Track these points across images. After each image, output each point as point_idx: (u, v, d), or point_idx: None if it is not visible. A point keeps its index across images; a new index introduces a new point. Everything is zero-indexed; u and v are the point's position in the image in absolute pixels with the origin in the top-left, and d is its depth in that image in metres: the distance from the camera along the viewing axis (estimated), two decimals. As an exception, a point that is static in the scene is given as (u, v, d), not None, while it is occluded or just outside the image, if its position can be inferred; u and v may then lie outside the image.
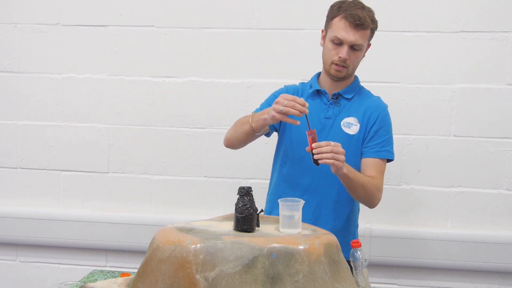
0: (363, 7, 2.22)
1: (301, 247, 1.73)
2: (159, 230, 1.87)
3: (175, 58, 3.01)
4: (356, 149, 2.28)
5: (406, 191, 2.90)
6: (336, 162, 2.02)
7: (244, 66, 2.96)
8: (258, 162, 2.95)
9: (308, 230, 1.90)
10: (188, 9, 2.97)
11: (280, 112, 2.04)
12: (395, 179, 2.89)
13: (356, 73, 2.78)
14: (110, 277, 2.18)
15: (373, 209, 2.92)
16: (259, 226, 1.89)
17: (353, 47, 2.21)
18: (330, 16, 2.26)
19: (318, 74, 2.39)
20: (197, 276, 1.66)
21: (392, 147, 2.34)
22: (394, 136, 2.86)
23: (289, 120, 2.07)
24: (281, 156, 2.35)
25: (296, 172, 2.28)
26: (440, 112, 2.86)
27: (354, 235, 2.35)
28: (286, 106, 2.02)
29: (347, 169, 2.10)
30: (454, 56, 2.83)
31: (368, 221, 2.91)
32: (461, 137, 2.86)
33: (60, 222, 3.07)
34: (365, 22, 2.18)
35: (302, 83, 2.42)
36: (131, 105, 3.05)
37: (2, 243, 3.15)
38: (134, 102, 3.05)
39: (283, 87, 2.43)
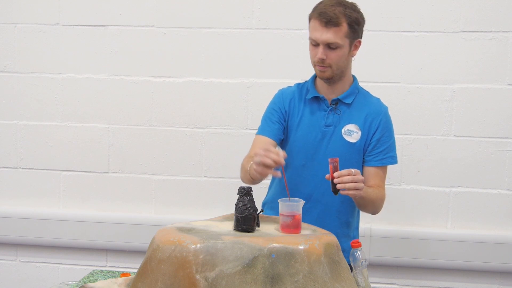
0: (339, 3, 2.14)
1: (301, 247, 1.73)
2: (159, 230, 1.87)
3: (175, 58, 3.01)
4: (358, 156, 2.24)
5: (406, 191, 2.90)
6: (356, 192, 1.99)
7: (244, 66, 2.96)
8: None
9: (308, 230, 1.90)
10: (188, 9, 2.97)
11: (259, 164, 1.94)
12: (395, 179, 2.89)
13: (357, 72, 2.79)
14: (110, 277, 2.18)
15: (373, 209, 2.92)
16: (259, 226, 1.89)
17: (329, 46, 2.13)
18: (309, 18, 2.20)
19: (315, 76, 2.31)
20: (197, 276, 1.66)
21: (395, 152, 2.30)
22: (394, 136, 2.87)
23: (272, 173, 1.97)
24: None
25: (297, 181, 2.24)
26: (440, 112, 2.86)
27: (355, 237, 2.33)
28: (262, 156, 1.92)
29: (363, 190, 2.05)
30: (454, 56, 2.83)
31: (368, 221, 2.90)
32: (461, 137, 2.86)
33: (60, 222, 3.07)
34: (334, 19, 2.09)
35: (298, 84, 2.35)
36: (131, 105, 3.05)
37: (2, 243, 3.15)
38: (134, 102, 3.05)
39: (278, 92, 2.37)
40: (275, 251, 1.72)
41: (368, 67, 2.87)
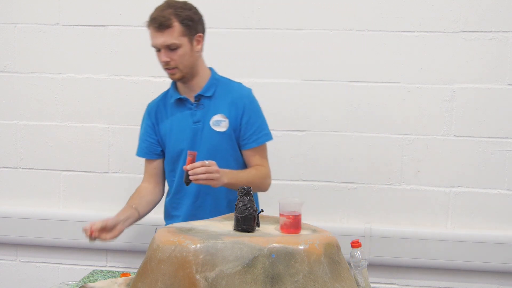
0: (168, 6, 2.23)
1: (301, 247, 1.73)
2: (159, 230, 1.87)
3: (175, 58, 3.00)
4: (232, 143, 2.32)
5: (406, 191, 2.90)
6: (210, 182, 2.10)
7: (244, 66, 2.96)
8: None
9: (308, 230, 1.90)
10: (188, 9, 2.97)
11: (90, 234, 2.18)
12: (395, 179, 2.89)
13: (357, 72, 2.79)
14: (110, 277, 2.18)
15: (373, 209, 2.93)
16: (259, 226, 1.89)
17: (170, 48, 2.22)
18: (147, 28, 2.29)
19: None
20: (197, 276, 1.66)
21: (267, 129, 2.38)
22: (393, 136, 2.89)
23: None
24: (168, 171, 2.40)
25: (183, 183, 2.25)
26: (440, 112, 2.86)
27: None
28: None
29: (228, 177, 2.17)
30: (454, 56, 2.83)
31: (368, 221, 2.91)
32: (461, 137, 2.86)
33: (60, 222, 3.07)
34: (164, 22, 2.19)
35: (163, 93, 2.45)
36: (131, 105, 3.05)
37: (2, 243, 3.15)
38: (134, 102, 3.05)
39: (146, 107, 2.47)
40: (275, 251, 1.72)
41: (368, 67, 2.87)
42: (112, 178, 3.09)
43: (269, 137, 2.38)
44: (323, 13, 2.89)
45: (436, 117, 2.86)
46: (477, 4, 2.79)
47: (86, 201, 3.11)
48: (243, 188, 1.88)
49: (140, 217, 2.36)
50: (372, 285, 1.97)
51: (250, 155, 2.34)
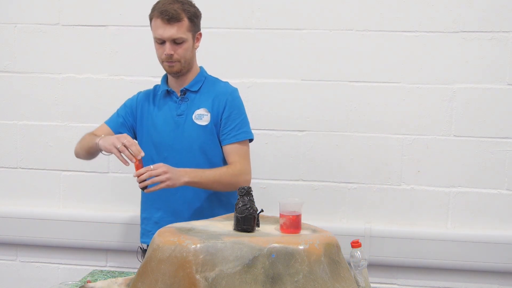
0: (175, 0, 2.28)
1: (301, 247, 1.73)
2: (159, 230, 1.87)
3: (175, 58, 3.00)
4: (212, 137, 2.35)
5: (406, 191, 2.90)
6: (162, 184, 2.12)
7: (244, 66, 2.96)
8: (257, 162, 2.95)
9: (308, 230, 1.90)
10: (188, 9, 2.97)
11: (117, 149, 2.16)
12: (395, 179, 2.89)
13: (357, 72, 2.79)
14: (110, 277, 2.18)
15: (373, 209, 2.93)
16: (259, 226, 1.89)
17: (175, 42, 2.27)
18: (149, 18, 2.33)
19: (166, 74, 2.45)
20: (197, 276, 1.66)
21: (248, 127, 2.40)
22: (393, 136, 2.88)
23: (120, 158, 2.18)
24: (147, 162, 2.37)
25: None
26: (440, 112, 2.86)
27: None
28: (123, 146, 2.15)
29: (190, 176, 2.19)
30: (454, 56, 2.83)
31: (368, 221, 2.91)
32: (461, 137, 2.86)
33: (60, 222, 3.06)
34: (175, 15, 2.24)
35: (155, 86, 2.48)
36: (131, 105, 3.05)
37: (2, 243, 3.15)
38: (134, 102, 3.05)
39: (136, 94, 2.50)
40: (275, 251, 1.72)
41: (368, 67, 2.87)
42: (112, 178, 3.09)
43: (248, 135, 2.39)
44: (323, 13, 2.89)
45: (436, 117, 2.86)
46: (477, 4, 2.79)
47: (86, 201, 3.11)
48: (243, 188, 1.88)
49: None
50: (372, 285, 1.97)
51: (228, 151, 2.35)
